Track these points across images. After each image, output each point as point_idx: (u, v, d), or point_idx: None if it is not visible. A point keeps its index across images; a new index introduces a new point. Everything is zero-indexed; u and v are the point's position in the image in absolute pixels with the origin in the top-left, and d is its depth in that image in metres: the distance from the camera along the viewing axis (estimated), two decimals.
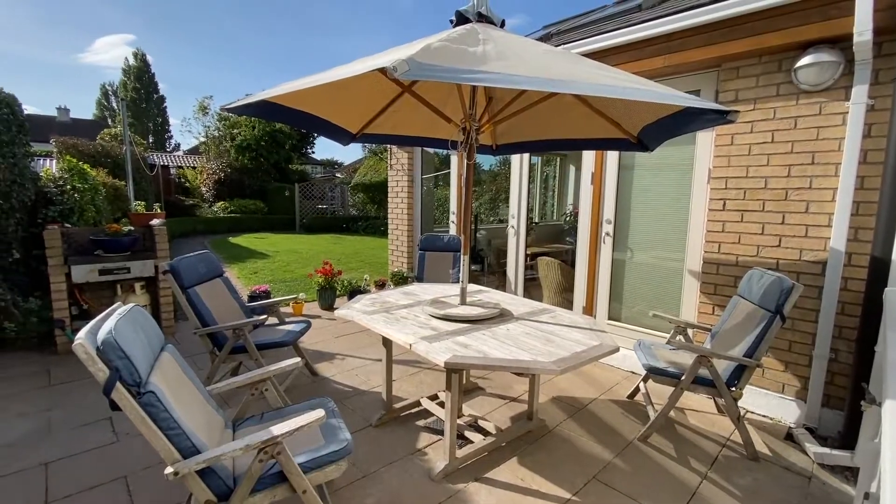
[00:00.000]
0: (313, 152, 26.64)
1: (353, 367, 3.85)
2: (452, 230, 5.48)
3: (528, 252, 6.12)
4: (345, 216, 18.62)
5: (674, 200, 3.83)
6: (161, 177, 14.43)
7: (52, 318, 3.80)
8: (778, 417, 3.15)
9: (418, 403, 3.08)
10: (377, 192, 18.71)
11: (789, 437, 2.94)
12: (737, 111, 2.09)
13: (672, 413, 3.06)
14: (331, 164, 34.51)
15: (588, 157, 4.27)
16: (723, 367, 2.74)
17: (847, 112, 2.75)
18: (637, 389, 3.37)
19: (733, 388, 2.67)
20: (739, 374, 2.68)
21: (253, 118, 19.79)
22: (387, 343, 2.88)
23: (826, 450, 2.69)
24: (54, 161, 8.07)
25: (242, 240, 13.30)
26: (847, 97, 2.76)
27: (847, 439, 2.66)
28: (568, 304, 4.78)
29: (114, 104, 39.08)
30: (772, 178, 3.11)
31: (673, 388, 2.76)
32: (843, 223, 2.79)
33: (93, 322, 1.55)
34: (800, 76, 2.92)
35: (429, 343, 2.21)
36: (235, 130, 18.95)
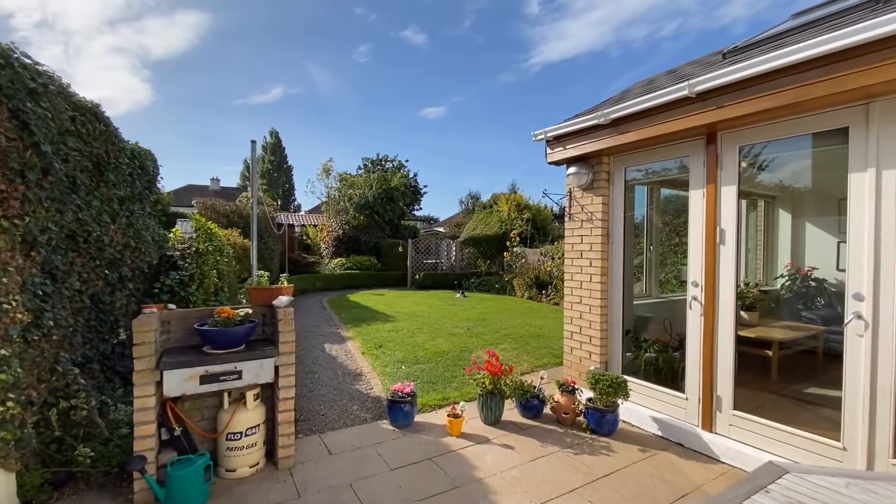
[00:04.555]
0: (420, 208, 26.69)
1: None
2: (694, 313, 3.45)
3: (752, 335, 4.05)
4: (456, 272, 17.45)
5: None
6: (286, 235, 14.69)
7: (131, 450, 2.57)
8: None
9: None
10: (488, 246, 17.46)
11: None
12: None
13: None
14: (428, 220, 34.55)
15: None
16: None
17: None
18: None
19: None
20: None
21: (371, 178, 20.27)
22: None
23: None
24: (188, 222, 7.83)
25: (360, 297, 12.54)
26: None
27: None
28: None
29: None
30: None
31: None
32: None
33: None
34: None
35: None
36: (352, 191, 19.37)
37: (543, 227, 17.25)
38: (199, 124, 78.23)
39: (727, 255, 3.18)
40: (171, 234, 5.03)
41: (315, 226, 20.12)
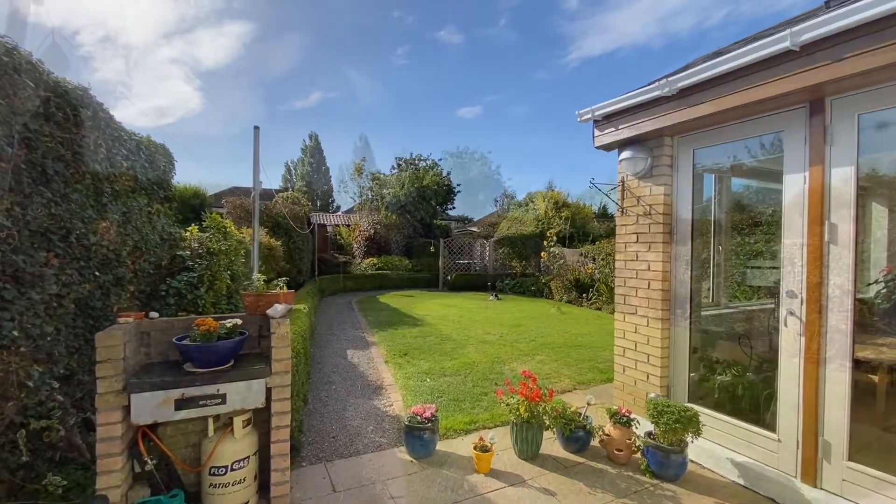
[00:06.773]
0: (454, 208, 26.11)
1: None
2: (789, 332, 2.72)
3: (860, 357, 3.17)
4: (489, 273, 16.80)
5: None
6: (318, 234, 14.58)
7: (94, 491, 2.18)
8: None
9: None
10: (523, 246, 16.72)
11: None
12: None
13: None
14: (461, 220, 33.82)
15: None
16: None
17: None
18: None
19: None
20: None
21: (402, 177, 19.98)
22: None
23: None
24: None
25: (390, 299, 12.18)
26: None
27: None
28: None
29: (293, 177, 45.72)
30: None
31: None
32: None
33: None
34: None
35: None
36: (384, 190, 19.15)
37: (583, 226, 16.29)
38: (245, 130, 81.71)
39: (841, 258, 2.44)
40: (187, 233, 4.75)
41: (348, 226, 20.09)
